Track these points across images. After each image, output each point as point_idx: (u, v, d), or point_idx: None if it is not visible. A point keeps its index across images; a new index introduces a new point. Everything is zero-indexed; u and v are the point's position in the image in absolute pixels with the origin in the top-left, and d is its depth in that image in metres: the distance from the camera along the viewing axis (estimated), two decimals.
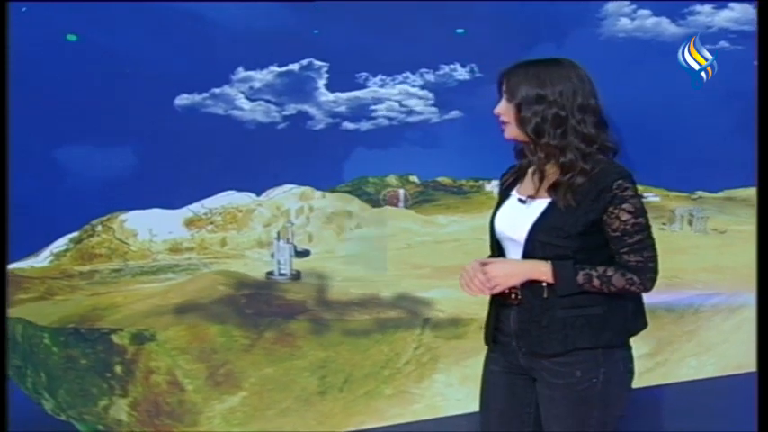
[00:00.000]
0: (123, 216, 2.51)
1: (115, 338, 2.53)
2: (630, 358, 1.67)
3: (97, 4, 2.26)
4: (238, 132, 2.45)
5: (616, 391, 1.64)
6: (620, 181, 1.55)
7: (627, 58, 2.47)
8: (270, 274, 2.59)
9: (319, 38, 2.38)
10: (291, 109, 2.45)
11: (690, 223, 2.70)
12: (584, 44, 2.40)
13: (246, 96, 2.39)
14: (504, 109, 1.63)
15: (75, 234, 2.51)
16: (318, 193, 2.57)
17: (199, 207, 2.55)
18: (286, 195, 2.57)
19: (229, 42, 2.38)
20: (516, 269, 1.61)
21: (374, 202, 2.59)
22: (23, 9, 2.22)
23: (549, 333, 1.60)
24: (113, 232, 2.51)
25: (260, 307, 2.58)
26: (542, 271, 1.58)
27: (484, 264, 1.62)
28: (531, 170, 1.67)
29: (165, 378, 2.55)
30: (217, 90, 2.38)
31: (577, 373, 1.60)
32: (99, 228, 2.50)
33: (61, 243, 2.51)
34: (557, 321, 1.59)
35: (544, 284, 1.59)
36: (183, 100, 2.39)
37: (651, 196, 2.59)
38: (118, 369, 2.54)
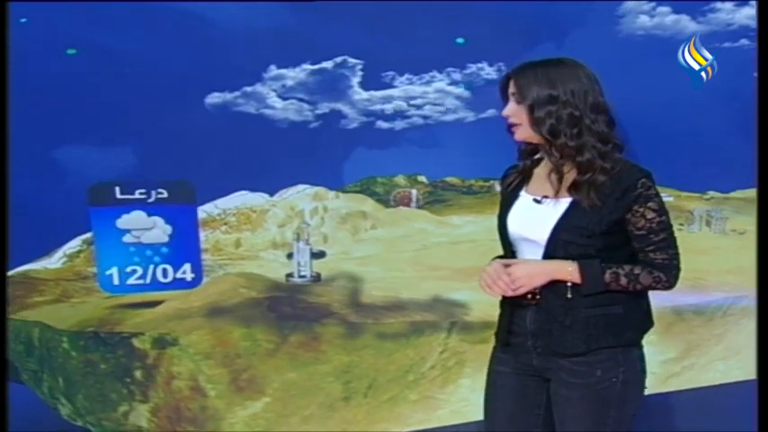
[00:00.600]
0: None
1: (136, 343, 2.47)
2: (644, 358, 1.68)
3: (101, 4, 2.22)
4: (258, 132, 2.41)
5: (633, 390, 1.65)
6: (643, 179, 1.57)
7: (647, 56, 2.44)
8: (289, 276, 2.55)
9: (337, 38, 2.34)
10: (324, 107, 2.40)
11: (708, 224, 2.69)
12: (600, 42, 2.39)
13: (279, 95, 2.35)
14: (513, 111, 1.62)
15: (89, 235, 2.45)
16: (332, 194, 2.53)
17: (212, 207, 2.49)
18: (300, 195, 2.52)
19: (261, 42, 2.35)
20: (541, 269, 1.60)
21: (384, 203, 2.55)
22: (23, 20, 2.18)
23: (571, 333, 1.59)
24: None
25: (283, 310, 2.53)
26: (568, 271, 1.57)
27: (506, 265, 1.61)
28: (543, 171, 1.67)
29: (188, 383, 2.50)
30: (249, 88, 2.34)
31: (598, 372, 1.60)
32: None
33: (74, 244, 2.45)
34: (579, 321, 1.59)
35: (568, 284, 1.58)
36: (214, 98, 2.35)
37: (665, 196, 2.56)
38: (138, 374, 2.48)
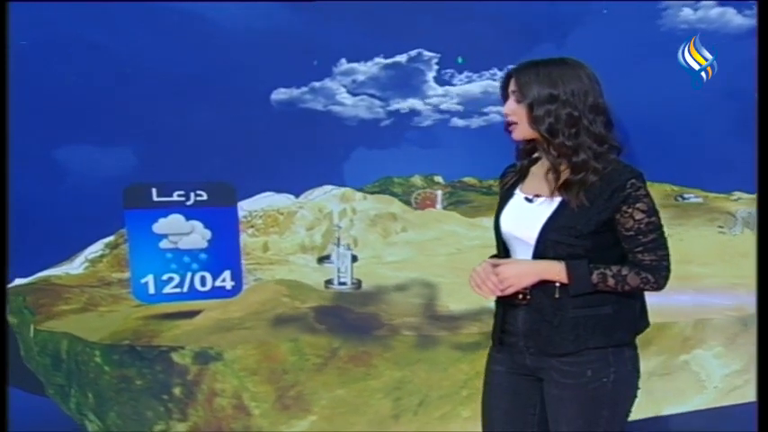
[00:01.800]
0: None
1: (176, 357, 2.31)
2: (637, 359, 1.67)
3: (102, 3, 2.12)
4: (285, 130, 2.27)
5: (625, 390, 1.65)
6: (632, 180, 1.56)
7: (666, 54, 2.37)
8: (329, 282, 2.40)
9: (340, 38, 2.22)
10: (397, 104, 2.25)
11: (750, 226, 2.57)
12: (634, 38, 2.33)
13: (349, 91, 2.20)
14: (512, 109, 1.62)
15: (111, 238, 2.27)
16: (359, 195, 2.40)
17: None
18: (327, 197, 2.39)
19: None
20: (529, 269, 1.59)
21: (406, 204, 2.44)
22: (23, 42, 2.07)
23: (560, 333, 1.59)
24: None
25: (330, 321, 2.38)
26: (556, 271, 1.57)
27: (495, 265, 1.60)
28: (539, 170, 1.66)
29: (231, 401, 2.34)
30: (318, 84, 2.19)
31: (588, 372, 1.60)
32: None
33: (96, 248, 2.29)
34: (568, 321, 1.59)
35: (556, 284, 1.58)
36: (279, 95, 2.21)
37: (693, 197, 2.49)
38: (177, 391, 2.32)
